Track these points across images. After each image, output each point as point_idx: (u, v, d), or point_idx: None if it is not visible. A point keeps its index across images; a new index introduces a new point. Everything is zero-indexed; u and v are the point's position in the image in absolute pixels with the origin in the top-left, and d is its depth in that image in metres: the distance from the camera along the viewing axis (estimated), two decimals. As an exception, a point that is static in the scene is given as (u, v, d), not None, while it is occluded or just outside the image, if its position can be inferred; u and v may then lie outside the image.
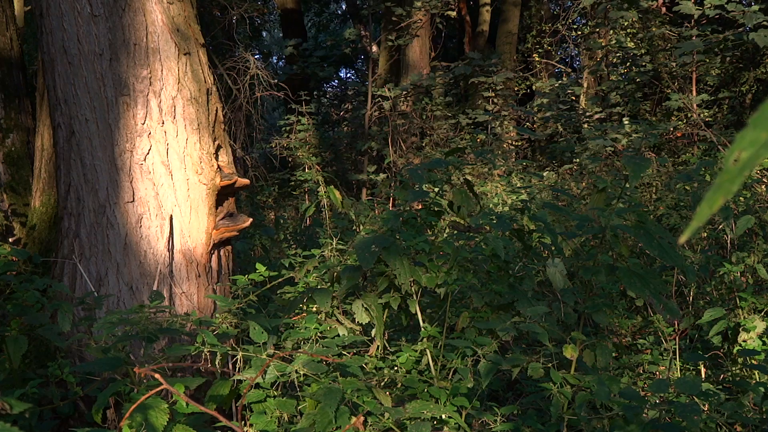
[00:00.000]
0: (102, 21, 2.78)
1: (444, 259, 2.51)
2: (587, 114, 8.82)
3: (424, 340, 2.39)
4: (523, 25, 11.79)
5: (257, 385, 2.07)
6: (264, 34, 18.53)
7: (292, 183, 7.82)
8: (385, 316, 2.46)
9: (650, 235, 2.15)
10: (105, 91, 2.79)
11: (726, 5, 6.49)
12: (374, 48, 10.52)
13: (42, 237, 4.55)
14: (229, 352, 2.10)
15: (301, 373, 2.02)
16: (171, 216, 2.83)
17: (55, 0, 2.81)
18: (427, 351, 2.35)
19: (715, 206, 0.46)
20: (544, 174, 7.56)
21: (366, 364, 2.34)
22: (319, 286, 2.55)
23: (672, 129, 7.80)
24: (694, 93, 8.12)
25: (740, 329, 3.04)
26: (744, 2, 9.02)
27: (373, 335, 2.48)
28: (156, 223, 2.82)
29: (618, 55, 9.03)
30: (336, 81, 16.74)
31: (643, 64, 8.46)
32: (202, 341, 2.05)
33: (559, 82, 9.75)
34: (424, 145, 9.12)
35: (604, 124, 7.69)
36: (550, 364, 2.11)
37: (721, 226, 3.74)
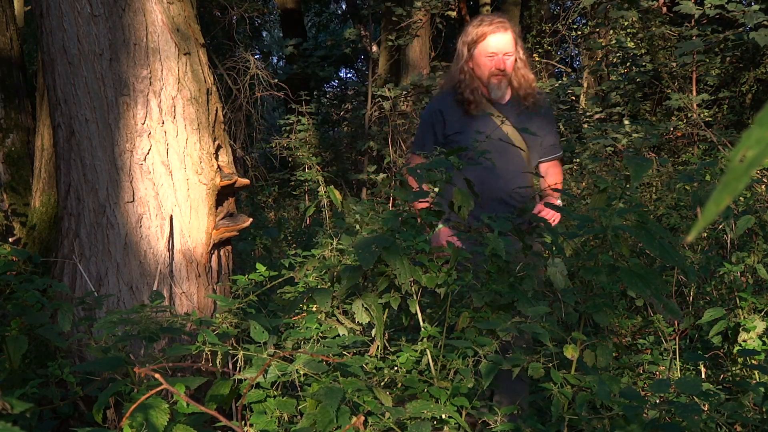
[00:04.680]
0: (102, 21, 2.78)
1: (444, 259, 2.50)
2: (587, 114, 8.81)
3: (424, 340, 2.38)
4: (523, 25, 11.78)
5: (258, 385, 2.07)
6: (264, 34, 18.53)
7: (293, 183, 7.81)
8: (385, 316, 2.46)
9: (651, 235, 2.15)
10: (105, 91, 2.79)
11: (726, 5, 6.49)
12: (374, 48, 10.52)
13: (42, 237, 4.55)
14: (230, 352, 2.10)
15: (302, 372, 2.01)
16: (171, 216, 2.83)
17: (55, 0, 2.80)
18: (427, 351, 2.35)
19: (722, 205, 0.46)
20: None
21: (366, 364, 2.33)
22: (319, 286, 2.55)
23: (672, 129, 7.80)
24: (694, 93, 8.11)
25: (740, 329, 3.03)
26: (744, 2, 9.02)
27: (373, 335, 2.48)
28: (156, 223, 2.82)
29: (618, 55, 9.03)
30: (336, 81, 16.75)
31: (643, 64, 8.46)
32: (202, 341, 2.05)
33: (559, 82, 9.75)
34: (424, 145, 9.09)
35: (604, 124, 7.69)
36: (550, 364, 2.11)
37: (721, 226, 3.73)
